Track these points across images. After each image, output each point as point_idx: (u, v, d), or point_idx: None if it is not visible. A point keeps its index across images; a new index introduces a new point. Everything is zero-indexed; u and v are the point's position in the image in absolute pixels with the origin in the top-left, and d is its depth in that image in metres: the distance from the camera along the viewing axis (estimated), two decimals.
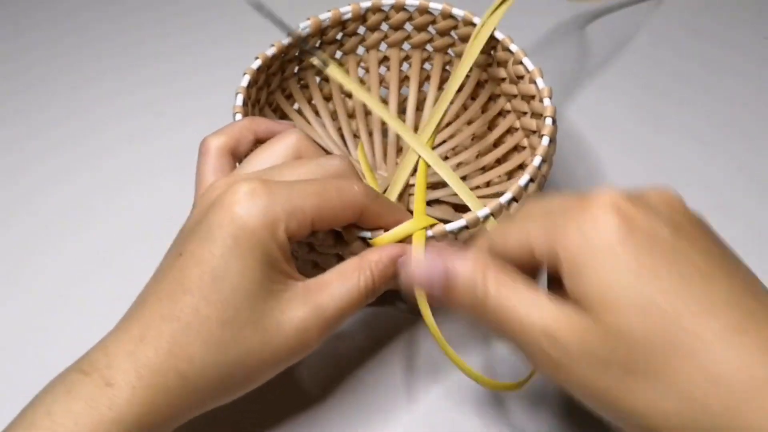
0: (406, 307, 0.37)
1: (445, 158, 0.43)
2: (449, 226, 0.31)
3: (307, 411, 0.34)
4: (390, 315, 0.37)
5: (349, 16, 0.41)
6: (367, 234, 0.30)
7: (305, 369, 0.35)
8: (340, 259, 0.32)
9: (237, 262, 0.26)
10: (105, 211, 0.43)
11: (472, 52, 0.38)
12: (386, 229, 0.30)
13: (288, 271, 0.27)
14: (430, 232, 0.30)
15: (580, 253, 0.23)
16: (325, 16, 0.40)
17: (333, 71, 0.38)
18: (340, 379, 0.35)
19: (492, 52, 0.40)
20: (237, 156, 0.32)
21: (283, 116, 0.42)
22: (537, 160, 0.33)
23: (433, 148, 0.43)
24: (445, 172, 0.35)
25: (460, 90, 0.44)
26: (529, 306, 0.24)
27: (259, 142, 0.33)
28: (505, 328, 0.25)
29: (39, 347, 0.37)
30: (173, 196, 0.36)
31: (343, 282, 0.28)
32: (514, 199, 0.32)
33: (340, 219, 0.29)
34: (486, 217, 0.31)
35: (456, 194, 0.35)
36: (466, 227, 0.31)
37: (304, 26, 0.40)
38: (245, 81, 0.36)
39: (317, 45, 0.41)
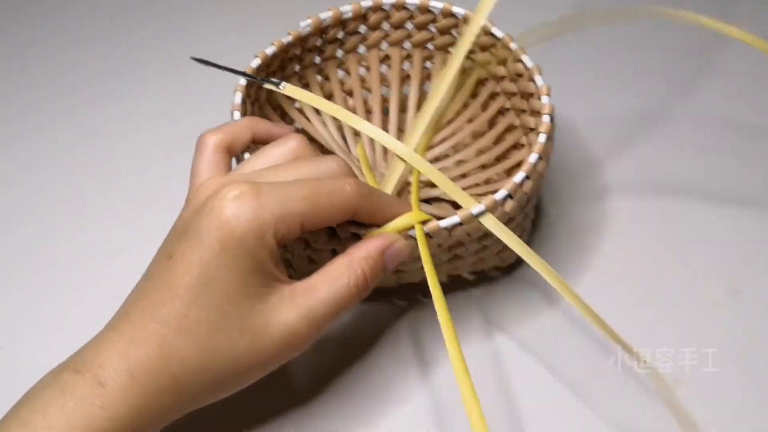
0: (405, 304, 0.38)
1: (446, 156, 0.43)
2: (443, 222, 0.31)
3: (297, 409, 0.34)
4: (383, 312, 0.37)
5: (350, 15, 0.41)
6: (362, 231, 0.30)
7: (296, 366, 0.35)
8: (336, 254, 0.32)
9: (225, 268, 0.26)
10: (102, 211, 0.43)
11: (459, 52, 0.38)
12: (380, 225, 0.31)
13: (276, 275, 0.28)
14: (425, 228, 0.30)
15: None
16: (326, 15, 0.40)
17: (290, 91, 0.36)
18: (331, 378, 0.35)
19: (492, 51, 0.40)
20: (233, 153, 0.32)
21: (284, 114, 0.42)
22: (533, 157, 0.33)
23: (433, 146, 0.43)
24: (432, 173, 0.34)
25: (461, 88, 0.44)
26: None
27: (256, 143, 0.33)
28: None
29: (36, 343, 0.37)
30: (169, 194, 0.36)
31: (331, 283, 0.28)
32: (510, 195, 0.32)
33: (332, 219, 0.29)
34: (481, 213, 0.31)
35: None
36: (460, 224, 0.31)
37: (304, 25, 0.40)
38: (244, 79, 0.37)
39: (319, 43, 0.42)
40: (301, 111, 0.43)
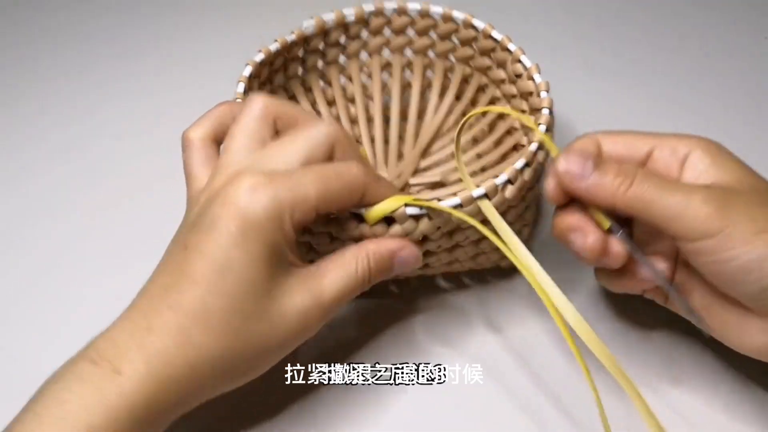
0: (398, 291, 0.37)
1: (447, 160, 0.43)
2: (444, 203, 0.31)
3: (299, 402, 0.33)
4: (382, 307, 0.37)
5: (352, 18, 0.42)
6: (360, 210, 0.30)
7: (298, 360, 0.34)
8: (332, 238, 0.32)
9: (243, 255, 0.26)
10: (103, 212, 0.43)
11: None
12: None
13: (292, 260, 0.28)
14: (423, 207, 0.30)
15: (718, 149, 0.30)
16: (329, 17, 0.41)
17: None
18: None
19: (491, 55, 0.41)
20: (220, 142, 0.31)
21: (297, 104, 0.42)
22: (533, 146, 0.33)
23: (432, 153, 0.43)
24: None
25: (459, 97, 0.44)
26: (677, 185, 0.28)
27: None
28: (655, 207, 0.28)
29: (36, 344, 0.37)
30: (170, 195, 0.36)
31: (341, 269, 0.29)
32: (509, 181, 0.32)
33: (343, 202, 0.29)
34: (480, 197, 0.31)
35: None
36: (460, 205, 0.31)
37: (307, 25, 0.41)
38: (247, 71, 0.37)
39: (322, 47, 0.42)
40: (313, 105, 0.44)
